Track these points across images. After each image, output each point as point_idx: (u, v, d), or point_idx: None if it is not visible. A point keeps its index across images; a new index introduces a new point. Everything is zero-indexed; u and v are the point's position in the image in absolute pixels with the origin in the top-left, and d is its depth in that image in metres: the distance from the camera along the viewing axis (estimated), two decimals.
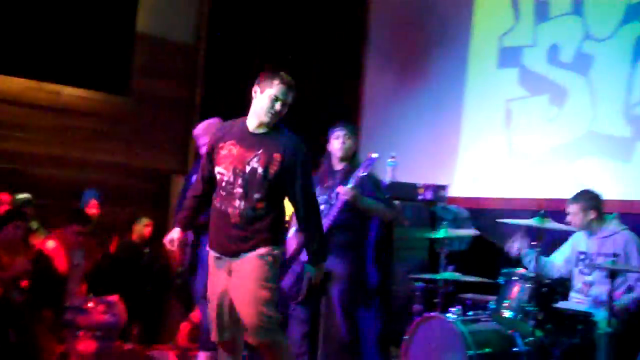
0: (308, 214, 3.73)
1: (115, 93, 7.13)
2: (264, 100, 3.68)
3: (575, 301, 4.62)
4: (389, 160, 5.75)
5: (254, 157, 3.64)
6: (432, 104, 6.52)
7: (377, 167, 5.90)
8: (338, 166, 4.85)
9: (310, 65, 7.43)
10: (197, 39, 7.71)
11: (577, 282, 4.69)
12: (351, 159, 4.78)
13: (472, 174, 6.17)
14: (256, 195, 3.63)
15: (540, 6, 5.96)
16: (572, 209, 4.64)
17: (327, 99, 7.13)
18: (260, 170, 3.62)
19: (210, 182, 3.80)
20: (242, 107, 7.46)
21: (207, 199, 3.86)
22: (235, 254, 3.66)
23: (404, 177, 5.78)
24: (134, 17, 7.14)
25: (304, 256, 4.73)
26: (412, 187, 5.70)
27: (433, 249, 5.23)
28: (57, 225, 5.97)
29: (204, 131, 5.21)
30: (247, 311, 3.57)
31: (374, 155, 4.58)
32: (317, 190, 4.86)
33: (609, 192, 4.92)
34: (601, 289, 4.36)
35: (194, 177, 5.18)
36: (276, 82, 3.71)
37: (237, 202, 3.63)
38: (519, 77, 6.01)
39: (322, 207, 4.77)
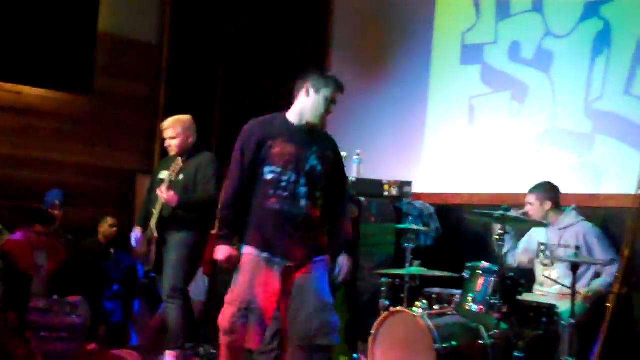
0: (344, 211, 3.79)
1: (78, 93, 7.08)
2: (317, 100, 3.64)
3: (539, 294, 4.71)
4: (355, 157, 5.80)
5: (311, 155, 3.59)
6: (397, 101, 6.57)
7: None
8: None
9: (274, 63, 7.44)
10: (160, 37, 7.68)
11: (540, 274, 4.80)
12: None
13: (437, 170, 6.23)
14: (317, 194, 3.59)
15: (501, 4, 6.03)
16: (530, 199, 4.84)
17: (291, 97, 7.13)
18: (319, 167, 3.59)
19: (251, 181, 3.61)
20: (206, 106, 7.53)
21: (246, 199, 3.64)
22: (302, 258, 3.56)
23: (370, 174, 5.82)
24: (96, 16, 7.09)
25: None
26: (378, 184, 5.75)
27: (399, 245, 5.28)
28: (20, 226, 5.91)
29: (169, 126, 5.20)
30: (319, 316, 3.51)
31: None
32: None
33: (570, 186, 5.01)
34: (563, 281, 4.45)
35: (161, 174, 5.19)
36: (334, 85, 3.66)
37: (302, 202, 3.54)
38: (482, 74, 6.08)
39: None
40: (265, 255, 3.53)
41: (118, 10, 7.35)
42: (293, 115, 3.69)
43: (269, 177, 3.55)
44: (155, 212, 5.06)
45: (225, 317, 3.53)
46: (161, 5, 7.69)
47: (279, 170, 3.55)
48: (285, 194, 3.54)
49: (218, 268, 6.01)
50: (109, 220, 6.59)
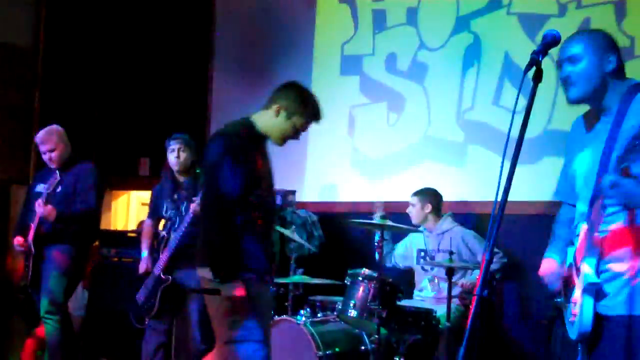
0: None
1: None
2: (287, 126, 3.35)
3: (419, 299, 4.91)
4: None
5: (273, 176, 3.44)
6: None
7: None
8: (181, 178, 4.90)
9: (154, 70, 7.35)
10: (34, 42, 7.42)
11: (420, 279, 5.00)
12: (194, 170, 4.83)
13: (320, 178, 6.34)
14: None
15: (377, 16, 6.21)
16: (412, 200, 5.09)
17: (175, 108, 7.09)
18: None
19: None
20: (81, 114, 7.33)
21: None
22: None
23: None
24: None
25: (156, 270, 4.74)
26: None
27: (283, 253, 5.35)
28: None
29: (45, 138, 5.06)
30: None
31: None
32: (166, 204, 4.89)
33: (445, 193, 5.24)
34: (444, 284, 4.67)
35: (38, 187, 5.04)
36: (309, 116, 3.37)
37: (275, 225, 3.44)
38: (360, 85, 6.24)
39: (170, 220, 4.82)
40: (260, 284, 3.25)
41: None
42: (260, 127, 3.37)
43: (257, 200, 3.24)
44: (33, 226, 4.92)
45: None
46: (35, 9, 7.43)
47: (265, 193, 3.31)
48: (269, 217, 3.32)
49: (97, 282, 5.92)
50: None
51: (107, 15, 7.51)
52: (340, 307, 4.40)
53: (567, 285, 2.57)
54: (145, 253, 4.94)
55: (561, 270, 2.59)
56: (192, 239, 4.57)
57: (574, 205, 2.65)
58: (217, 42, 7.20)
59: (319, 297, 4.90)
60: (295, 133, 3.39)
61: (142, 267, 4.89)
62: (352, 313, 4.31)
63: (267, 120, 3.36)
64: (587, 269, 2.41)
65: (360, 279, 4.38)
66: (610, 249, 2.43)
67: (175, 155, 4.87)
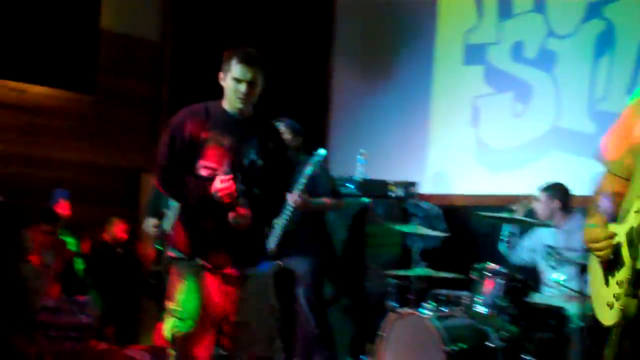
0: (274, 210, 3.71)
1: (81, 91, 7.06)
2: (228, 85, 3.35)
3: (548, 295, 4.77)
4: (359, 156, 5.84)
5: (250, 148, 3.30)
6: (400, 101, 6.60)
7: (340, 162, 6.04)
8: None
9: (278, 63, 7.44)
10: (163, 35, 7.66)
11: (547, 276, 4.86)
12: (297, 155, 4.88)
13: (442, 170, 6.28)
14: (255, 191, 3.29)
15: (503, 3, 6.07)
16: (540, 196, 4.90)
17: (296, 97, 7.17)
18: (259, 162, 3.30)
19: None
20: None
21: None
22: (238, 262, 3.37)
23: (375, 174, 5.86)
24: (98, 14, 7.07)
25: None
26: (383, 184, 5.79)
27: (405, 246, 5.33)
28: (26, 225, 5.92)
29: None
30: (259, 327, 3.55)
31: (322, 151, 4.69)
32: None
33: (575, 187, 5.06)
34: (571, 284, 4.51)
35: None
36: (234, 62, 3.33)
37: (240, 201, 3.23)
38: (485, 74, 6.12)
39: None
40: (197, 260, 3.32)
41: (120, 8, 7.33)
42: (226, 103, 3.38)
43: (203, 173, 3.26)
44: (169, 213, 5.07)
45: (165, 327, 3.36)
46: (164, 2, 7.68)
47: (213, 165, 3.25)
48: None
49: None
50: (120, 225, 6.56)
51: (232, 8, 7.66)
52: (467, 302, 4.35)
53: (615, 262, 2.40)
54: None
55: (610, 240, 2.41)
56: (297, 225, 4.67)
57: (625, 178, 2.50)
58: (337, 33, 7.23)
59: (443, 291, 4.85)
60: (236, 87, 3.33)
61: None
62: (480, 308, 4.24)
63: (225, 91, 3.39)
64: None
65: (487, 273, 4.31)
66: None
67: None
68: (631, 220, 2.35)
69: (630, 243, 2.33)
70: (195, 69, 7.59)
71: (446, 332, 4.27)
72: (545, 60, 5.76)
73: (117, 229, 6.55)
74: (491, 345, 4.31)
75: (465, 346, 4.28)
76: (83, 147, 7.10)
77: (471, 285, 4.42)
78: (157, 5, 7.64)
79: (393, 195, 5.76)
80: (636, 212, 2.33)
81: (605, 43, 5.43)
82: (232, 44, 7.72)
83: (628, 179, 2.52)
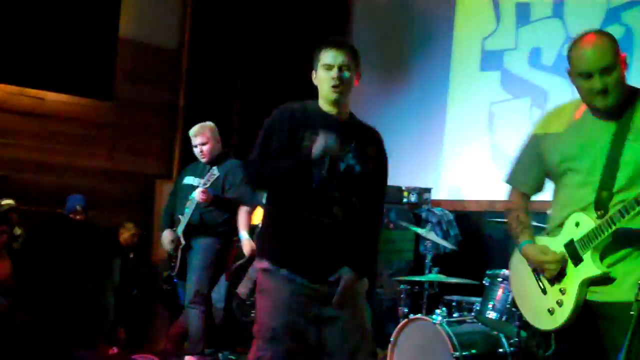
0: (375, 221, 3.19)
1: (99, 98, 7.12)
2: (320, 77, 3.10)
3: None
4: None
5: (348, 152, 3.03)
6: (416, 106, 6.57)
7: None
8: None
9: (295, 70, 7.44)
10: (180, 43, 7.71)
11: None
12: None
13: (457, 176, 6.22)
14: (354, 200, 3.03)
15: (521, 9, 6.02)
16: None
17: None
18: (357, 168, 3.03)
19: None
20: (226, 111, 7.57)
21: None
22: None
23: (389, 180, 5.79)
24: (117, 22, 7.13)
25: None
26: (397, 190, 5.75)
27: (418, 251, 5.28)
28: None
29: (198, 132, 5.23)
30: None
31: None
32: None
33: None
34: None
35: (187, 179, 5.22)
36: (323, 50, 3.10)
37: (334, 209, 2.99)
38: (501, 80, 6.07)
39: None
40: (284, 272, 2.98)
41: (138, 16, 7.39)
42: (322, 103, 3.13)
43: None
44: (183, 218, 5.09)
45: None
46: (182, 11, 7.73)
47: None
48: (314, 198, 2.96)
49: (239, 275, 6.08)
50: (132, 229, 6.60)
51: (249, 15, 7.70)
52: (478, 307, 4.29)
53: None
54: (244, 234, 5.04)
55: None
56: None
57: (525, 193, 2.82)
58: (354, 39, 7.20)
59: (455, 297, 4.79)
60: (328, 74, 3.07)
61: (248, 250, 4.98)
62: (491, 315, 4.19)
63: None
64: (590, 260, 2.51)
65: (500, 280, 4.25)
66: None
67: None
68: (569, 233, 2.58)
69: (573, 254, 2.56)
70: (212, 76, 7.63)
71: (457, 338, 4.22)
72: (563, 66, 5.65)
73: (131, 234, 6.56)
74: (502, 351, 4.24)
75: (476, 352, 4.22)
76: (100, 153, 7.15)
77: (483, 292, 4.36)
78: (175, 14, 7.69)
79: (406, 201, 5.71)
80: (577, 224, 2.56)
81: (623, 48, 5.29)
82: (247, 51, 7.79)
83: (530, 196, 2.87)
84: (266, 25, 7.69)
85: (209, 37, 7.70)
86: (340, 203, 2.98)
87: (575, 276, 2.55)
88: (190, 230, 5.09)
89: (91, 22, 6.95)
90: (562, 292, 2.59)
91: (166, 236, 5.17)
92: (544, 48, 5.84)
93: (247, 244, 5.09)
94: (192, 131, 5.27)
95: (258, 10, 7.70)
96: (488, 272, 4.38)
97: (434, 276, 4.78)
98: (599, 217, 2.51)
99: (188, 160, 5.63)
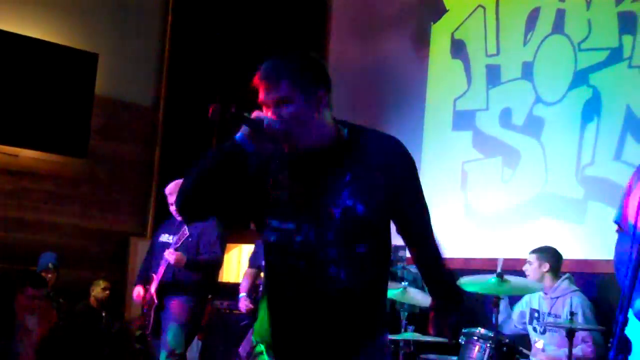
0: (435, 251, 2.60)
1: (73, 155, 7.12)
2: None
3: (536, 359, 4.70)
4: None
5: (341, 189, 2.30)
6: None
7: None
8: None
9: None
10: (155, 99, 7.77)
11: (532, 340, 4.80)
12: None
13: None
14: (361, 250, 2.29)
15: (491, 71, 6.16)
16: (530, 258, 4.88)
17: None
18: (359, 207, 2.28)
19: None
20: None
21: None
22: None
23: None
24: (93, 79, 7.18)
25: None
26: None
27: (394, 309, 5.27)
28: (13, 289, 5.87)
29: (174, 190, 5.23)
30: None
31: None
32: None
33: (563, 251, 5.04)
34: (555, 350, 4.45)
35: (162, 237, 5.21)
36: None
37: (332, 270, 2.25)
38: (473, 140, 6.16)
39: None
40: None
41: (114, 74, 7.45)
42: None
43: (272, 239, 2.25)
44: (156, 276, 5.07)
45: None
46: (158, 68, 7.81)
47: (286, 226, 2.22)
48: (302, 262, 2.21)
49: (211, 333, 6.02)
50: (102, 284, 6.57)
51: (224, 75, 7.78)
52: None
53: None
54: (243, 294, 5.03)
55: None
56: None
57: None
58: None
59: (431, 356, 4.78)
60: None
61: (242, 306, 4.96)
62: None
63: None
64: None
65: (475, 338, 4.25)
66: None
67: None
68: None
69: None
70: (187, 133, 7.67)
71: None
72: (533, 126, 5.80)
73: (102, 292, 6.50)
74: None
75: None
76: (74, 210, 7.12)
77: (459, 350, 4.35)
78: (151, 71, 7.77)
79: None
80: None
81: (592, 109, 5.48)
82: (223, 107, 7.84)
83: None
84: (242, 83, 7.78)
85: (184, 93, 7.77)
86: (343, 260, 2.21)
87: None
88: (164, 289, 5.05)
89: (67, 79, 7.00)
90: None
91: (136, 290, 5.17)
92: (514, 108, 5.96)
93: (242, 301, 5.08)
94: (168, 189, 5.28)
95: (234, 67, 7.79)
96: (464, 330, 4.38)
97: (409, 335, 4.78)
98: None
99: (163, 217, 5.62)
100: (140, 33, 7.70)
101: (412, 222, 2.43)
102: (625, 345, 2.20)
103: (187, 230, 5.04)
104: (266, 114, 2.25)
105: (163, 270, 5.05)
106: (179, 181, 5.26)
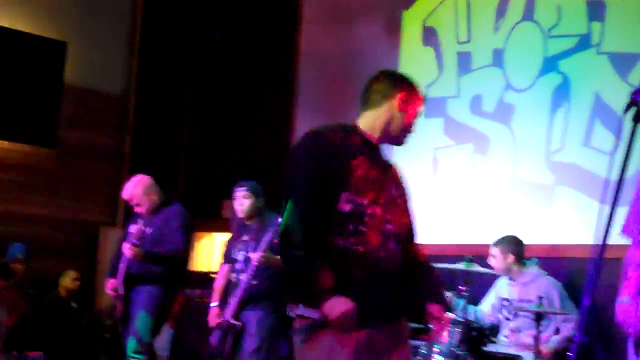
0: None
1: (42, 145, 7.04)
2: (409, 116, 2.82)
3: (504, 344, 4.73)
4: None
5: (392, 183, 2.82)
6: None
7: None
8: (248, 221, 4.99)
9: (241, 114, 7.49)
10: (126, 88, 7.70)
11: (503, 328, 4.83)
12: (261, 215, 4.87)
13: None
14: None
15: (462, 58, 6.17)
16: (493, 251, 4.87)
17: (258, 151, 7.19)
18: (399, 201, 2.83)
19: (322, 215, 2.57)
20: (169, 157, 7.53)
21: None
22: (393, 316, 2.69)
23: None
24: (62, 68, 7.09)
25: (227, 315, 4.79)
26: None
27: None
28: None
29: (130, 194, 5.20)
30: None
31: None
32: (235, 247, 4.98)
33: (532, 236, 5.08)
34: (527, 334, 4.48)
35: (131, 228, 5.17)
36: (421, 98, 2.87)
37: (392, 244, 2.69)
38: (445, 127, 6.18)
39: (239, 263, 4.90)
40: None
41: (84, 62, 7.37)
42: (372, 131, 2.83)
43: (347, 208, 2.59)
44: (122, 267, 5.04)
45: None
46: (128, 56, 7.73)
47: (360, 201, 2.61)
48: (373, 232, 2.62)
49: (182, 323, 5.99)
50: (71, 274, 6.51)
51: (196, 63, 7.73)
52: (423, 351, 4.29)
53: None
54: (214, 304, 5.00)
55: None
56: (260, 282, 4.66)
57: None
58: (300, 83, 7.29)
59: None
60: (415, 123, 2.84)
61: (211, 320, 4.94)
62: (437, 358, 4.18)
63: (381, 118, 2.84)
64: None
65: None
66: None
67: (239, 203, 4.98)
68: None
69: None
70: (158, 121, 7.61)
71: None
72: (504, 113, 5.83)
73: (72, 283, 6.45)
74: None
75: None
76: (43, 201, 7.04)
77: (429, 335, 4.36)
78: (121, 59, 7.69)
79: None
80: None
81: (561, 96, 5.52)
82: (195, 96, 7.80)
83: None
84: (214, 69, 7.73)
85: (155, 82, 7.71)
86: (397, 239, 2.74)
87: None
88: (132, 279, 5.03)
89: (35, 68, 6.91)
90: None
91: (107, 284, 5.14)
92: (484, 95, 5.98)
93: (212, 313, 5.02)
94: (124, 195, 5.25)
95: (206, 54, 7.75)
96: None
97: None
98: None
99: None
100: (110, 20, 7.62)
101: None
102: (590, 329, 2.24)
103: (141, 222, 5.03)
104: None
105: (127, 262, 5.01)
106: (137, 181, 5.24)
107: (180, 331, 6.01)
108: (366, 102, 2.90)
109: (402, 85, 2.85)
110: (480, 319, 4.90)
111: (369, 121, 2.84)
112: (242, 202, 4.98)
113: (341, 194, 2.58)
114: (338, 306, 2.43)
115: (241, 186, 5.04)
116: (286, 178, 2.68)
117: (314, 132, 2.77)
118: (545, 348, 4.46)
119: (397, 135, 2.83)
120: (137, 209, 5.20)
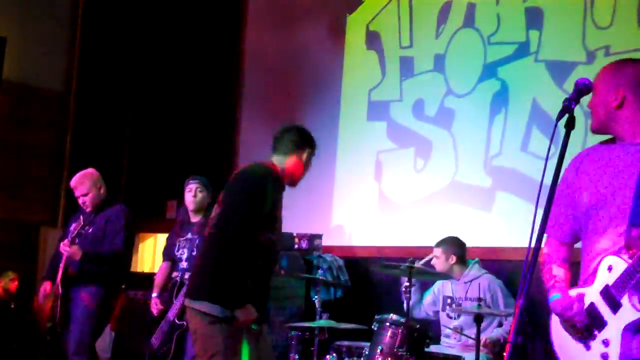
0: None
1: None
2: (307, 167, 3.81)
3: (446, 345, 4.85)
4: None
5: None
6: None
7: None
8: (194, 218, 5.00)
9: (183, 114, 7.46)
10: (67, 86, 7.58)
11: (446, 326, 4.95)
12: (207, 211, 4.89)
13: (346, 223, 6.36)
14: None
15: (405, 63, 6.27)
16: (436, 252, 4.99)
17: (203, 152, 7.18)
18: None
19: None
20: (115, 154, 7.45)
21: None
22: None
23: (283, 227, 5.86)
24: (1, 64, 6.95)
25: (171, 315, 4.78)
26: (288, 237, 5.81)
27: (309, 298, 5.33)
28: None
29: (79, 182, 5.13)
30: None
31: None
32: (178, 243, 4.98)
33: (472, 239, 5.21)
34: (470, 333, 4.61)
35: (72, 226, 5.09)
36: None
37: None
38: (387, 130, 6.27)
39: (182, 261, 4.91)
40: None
41: (24, 58, 7.23)
42: (280, 170, 3.71)
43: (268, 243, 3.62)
44: (61, 266, 4.96)
45: None
46: (69, 52, 7.61)
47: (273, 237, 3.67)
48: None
49: (124, 324, 5.94)
50: (10, 275, 6.39)
51: (138, 61, 7.66)
52: (367, 352, 4.36)
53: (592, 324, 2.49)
54: (154, 294, 4.99)
55: (582, 305, 2.50)
56: None
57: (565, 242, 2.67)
58: (245, 88, 7.30)
59: (345, 342, 4.85)
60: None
61: (154, 309, 4.93)
62: (379, 359, 4.27)
63: (292, 163, 3.69)
64: (629, 304, 2.37)
65: (387, 324, 4.35)
66: None
67: (192, 195, 5.01)
68: (603, 278, 2.45)
69: (610, 300, 2.42)
70: (99, 119, 7.52)
71: None
72: (445, 117, 5.95)
73: (11, 283, 6.33)
74: None
75: None
76: None
77: (372, 336, 4.44)
78: (62, 55, 7.57)
79: (297, 247, 5.79)
80: (609, 269, 2.43)
81: (500, 102, 5.67)
82: (137, 95, 7.72)
83: (571, 244, 2.68)
84: (157, 68, 7.68)
85: (97, 80, 7.61)
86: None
87: (616, 324, 2.39)
88: (70, 280, 4.97)
89: None
90: (605, 343, 2.41)
91: (41, 288, 5.07)
92: (426, 100, 6.09)
93: (153, 302, 5.00)
94: (72, 182, 5.18)
95: (148, 53, 7.68)
96: (377, 316, 4.47)
97: (324, 322, 4.83)
98: (630, 257, 2.39)
99: (74, 206, 5.51)
100: (50, 16, 7.48)
101: None
102: (524, 328, 2.31)
103: (81, 220, 4.98)
104: None
105: (66, 261, 4.95)
106: (85, 172, 5.18)
107: (121, 333, 5.96)
108: (277, 148, 3.68)
109: (311, 142, 3.72)
110: (417, 311, 5.03)
111: (280, 165, 3.66)
112: (195, 193, 5.00)
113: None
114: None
115: (194, 179, 5.07)
116: (237, 190, 3.59)
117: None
118: (487, 338, 4.59)
119: (296, 180, 3.73)
120: (82, 202, 5.11)
